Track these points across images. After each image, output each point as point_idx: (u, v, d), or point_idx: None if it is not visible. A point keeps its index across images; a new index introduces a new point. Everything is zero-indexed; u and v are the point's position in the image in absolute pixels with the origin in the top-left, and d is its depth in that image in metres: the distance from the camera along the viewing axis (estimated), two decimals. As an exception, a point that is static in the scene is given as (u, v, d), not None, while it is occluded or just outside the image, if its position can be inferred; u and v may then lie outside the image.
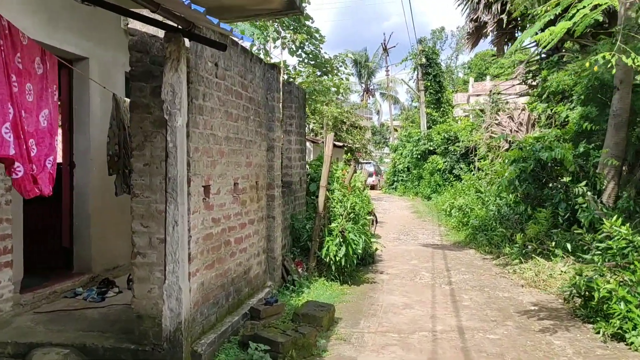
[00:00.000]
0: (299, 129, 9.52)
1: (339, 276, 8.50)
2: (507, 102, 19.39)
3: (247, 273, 6.55)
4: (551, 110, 16.87)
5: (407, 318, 6.90)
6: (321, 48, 14.68)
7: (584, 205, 10.62)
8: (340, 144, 20.61)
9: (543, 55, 20.16)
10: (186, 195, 4.51)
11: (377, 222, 15.56)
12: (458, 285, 8.85)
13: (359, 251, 8.38)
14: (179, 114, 4.33)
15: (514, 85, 21.54)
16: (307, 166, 10.74)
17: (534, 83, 20.24)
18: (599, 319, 6.43)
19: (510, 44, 22.20)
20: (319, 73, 14.72)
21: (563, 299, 7.67)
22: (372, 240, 10.34)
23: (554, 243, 10.00)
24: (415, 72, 32.73)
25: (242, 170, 6.34)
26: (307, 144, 15.65)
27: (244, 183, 6.42)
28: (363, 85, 70.85)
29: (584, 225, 10.26)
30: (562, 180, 11.75)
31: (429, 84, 32.29)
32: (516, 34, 21.79)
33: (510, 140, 15.69)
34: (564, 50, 19.14)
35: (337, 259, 8.18)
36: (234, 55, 5.98)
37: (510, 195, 13.99)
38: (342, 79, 14.85)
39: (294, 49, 14.83)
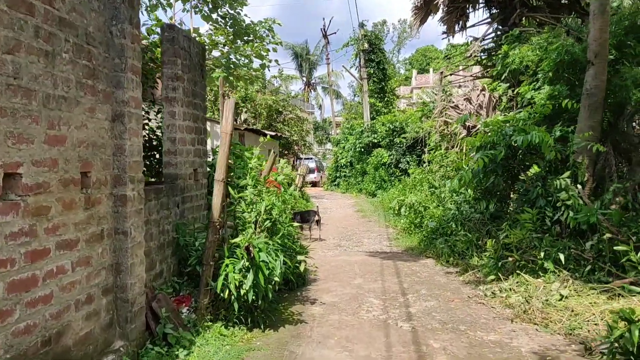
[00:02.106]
0: (191, 97, 6.54)
1: (246, 317, 5.59)
2: (459, 86, 17.05)
3: (57, 340, 3.56)
4: (513, 91, 14.60)
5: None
6: (241, 10, 11.70)
7: (569, 202, 8.27)
8: (273, 133, 17.65)
9: (499, 33, 18.01)
10: None
11: (320, 223, 12.80)
12: (422, 322, 6.13)
13: (276, 278, 5.49)
14: None
15: (466, 67, 19.27)
16: (213, 154, 7.79)
17: (490, 63, 18.05)
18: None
19: (461, 22, 19.99)
20: (239, 43, 11.74)
21: (584, 347, 5.09)
22: (304, 253, 7.53)
23: (542, 253, 7.49)
24: (357, 59, 30.18)
25: (35, 150, 3.34)
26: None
27: (44, 175, 3.42)
28: (304, 79, 68.38)
29: (568, 227, 7.95)
30: (535, 170, 9.41)
31: (372, 71, 29.82)
32: (468, 10, 19.58)
33: (469, 125, 13.27)
34: (522, 26, 17.01)
35: (242, 292, 5.27)
36: None
37: (469, 191, 11.56)
38: (268, 49, 11.94)
39: (207, 12, 11.80)
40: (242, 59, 11.73)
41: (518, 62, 14.21)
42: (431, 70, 56.63)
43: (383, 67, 30.15)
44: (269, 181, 9.28)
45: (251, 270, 5.24)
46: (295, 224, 8.47)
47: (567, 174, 8.75)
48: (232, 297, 5.30)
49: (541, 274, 7.47)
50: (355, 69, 31.09)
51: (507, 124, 10.10)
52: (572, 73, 13.29)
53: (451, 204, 12.37)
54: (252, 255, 5.24)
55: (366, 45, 29.57)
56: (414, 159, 23.68)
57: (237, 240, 5.53)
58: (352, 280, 8.29)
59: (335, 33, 41.34)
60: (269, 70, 18.89)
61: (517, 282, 7.47)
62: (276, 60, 12.37)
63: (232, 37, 11.67)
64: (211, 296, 5.51)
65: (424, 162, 17.38)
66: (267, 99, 22.99)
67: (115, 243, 4.37)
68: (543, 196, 8.85)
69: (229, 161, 5.71)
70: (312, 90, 70.20)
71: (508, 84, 14.50)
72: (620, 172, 9.48)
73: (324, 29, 37.34)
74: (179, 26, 10.86)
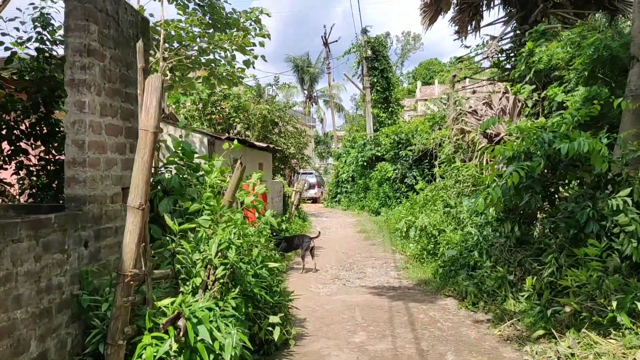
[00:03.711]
0: (118, 84, 4.52)
1: None
2: (474, 92, 15.05)
3: None
4: (539, 94, 12.58)
5: None
6: (223, -4, 9.76)
7: (630, 228, 6.28)
8: (264, 145, 15.63)
9: (518, 32, 16.06)
10: None
11: (314, 250, 10.77)
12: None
13: (228, 363, 3.41)
14: None
15: (478, 71, 17.30)
16: (164, 168, 5.75)
17: (509, 65, 16.08)
18: None
19: (474, 22, 18.06)
20: (216, 35, 9.75)
21: None
22: (283, 308, 5.47)
23: (615, 303, 5.41)
24: (360, 67, 28.24)
25: None
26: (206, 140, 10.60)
27: None
28: (305, 92, 66.75)
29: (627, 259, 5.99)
30: (580, 187, 7.46)
31: (375, 80, 27.84)
32: (482, 8, 17.65)
33: (492, 134, 11.22)
34: (545, 23, 15.07)
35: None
36: None
37: (491, 210, 9.55)
38: (253, 43, 9.96)
39: (183, 1, 9.87)
40: (223, 53, 9.72)
41: (546, 60, 12.20)
42: (436, 81, 54.79)
43: (387, 75, 28.19)
44: (246, 213, 7.28)
45: (182, 356, 3.17)
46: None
47: (626, 191, 6.73)
48: (154, 398, 3.23)
49: (612, 331, 5.40)
50: (358, 78, 29.15)
51: (544, 130, 8.08)
52: (610, 72, 11.33)
53: (471, 226, 10.30)
54: (182, 331, 3.18)
55: (369, 52, 27.66)
56: (421, 174, 21.63)
57: (163, 303, 3.46)
58: (351, 337, 6.17)
59: (336, 41, 39.59)
60: (254, 67, 16.92)
61: (579, 343, 5.39)
62: (263, 57, 10.33)
63: (208, 27, 9.69)
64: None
65: (436, 177, 15.30)
66: (261, 109, 21.01)
67: None
68: (595, 219, 6.83)
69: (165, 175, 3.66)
70: (313, 104, 68.53)
71: (533, 86, 12.50)
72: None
73: (325, 37, 35.55)
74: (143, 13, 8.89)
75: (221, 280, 4.00)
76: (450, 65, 37.07)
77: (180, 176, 5.09)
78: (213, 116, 20.19)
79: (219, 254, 4.02)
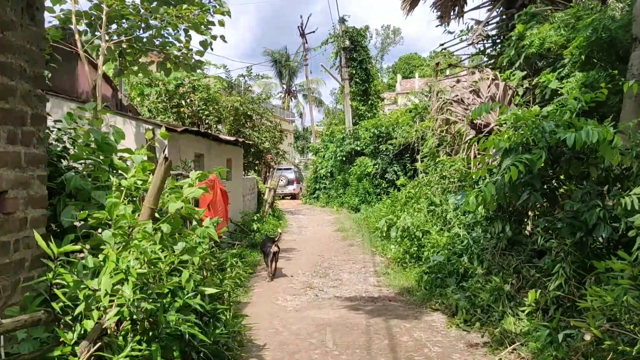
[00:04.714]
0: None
1: None
2: (458, 81, 13.93)
3: None
4: (530, 82, 11.52)
5: None
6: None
7: (647, 233, 5.23)
8: (231, 138, 14.35)
9: (504, 17, 15.00)
10: None
11: (277, 256, 9.55)
12: None
13: None
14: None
15: (465, 59, 16.25)
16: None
17: (495, 52, 15.01)
18: None
19: (457, 7, 16.96)
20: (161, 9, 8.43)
21: None
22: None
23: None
24: (338, 58, 27.02)
25: None
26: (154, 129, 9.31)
27: None
28: (284, 87, 65.46)
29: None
30: (580, 182, 6.42)
31: (354, 71, 26.66)
32: (465, -6, 16.56)
33: (480, 124, 10.12)
34: (535, 6, 14.03)
35: None
36: None
37: (480, 209, 8.47)
38: (212, 22, 8.69)
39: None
40: (172, 30, 8.42)
41: (537, 44, 11.11)
42: (417, 75, 53.79)
43: (366, 67, 27.05)
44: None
45: None
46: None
47: (640, 188, 5.69)
48: None
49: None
50: (336, 70, 27.97)
51: (545, 118, 7.01)
52: (607, 57, 10.35)
53: (459, 227, 9.21)
54: None
55: (347, 42, 26.49)
56: (402, 169, 20.56)
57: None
58: (319, 371, 5.02)
59: (314, 32, 38.72)
60: (211, 50, 15.58)
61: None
62: (222, 37, 9.04)
63: (159, 3, 8.39)
64: None
65: (419, 172, 14.19)
66: (233, 100, 19.72)
67: None
68: (605, 221, 5.80)
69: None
70: (292, 98, 67.24)
71: (524, 73, 11.43)
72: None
73: (301, 27, 34.24)
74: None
75: (125, 324, 2.81)
76: (431, 58, 36.03)
77: (86, 175, 3.88)
78: (181, 109, 18.82)
79: (110, 289, 2.82)
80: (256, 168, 23.99)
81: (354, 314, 7.08)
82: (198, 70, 10.24)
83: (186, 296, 3.45)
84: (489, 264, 7.57)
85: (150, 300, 3.02)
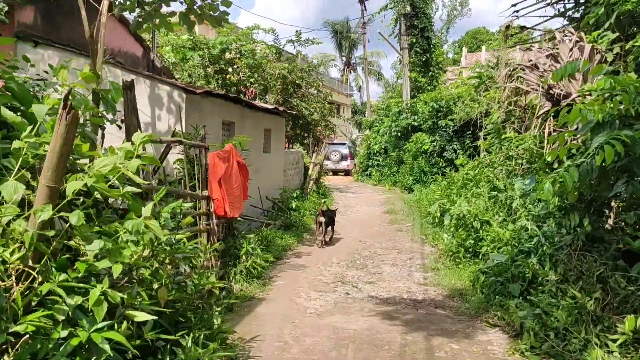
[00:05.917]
0: None
1: None
2: (529, 48, 11.94)
3: None
4: (621, 47, 9.48)
5: None
6: None
7: None
8: (270, 106, 13.04)
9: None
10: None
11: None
12: None
13: None
14: None
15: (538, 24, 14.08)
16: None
17: (576, 15, 12.88)
18: None
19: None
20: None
21: None
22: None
23: None
24: (397, 25, 25.06)
25: None
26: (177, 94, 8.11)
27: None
28: (344, 59, 63.56)
29: None
30: None
31: (414, 40, 24.63)
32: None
33: (560, 94, 8.30)
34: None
35: None
36: None
37: (554, 199, 6.77)
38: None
39: None
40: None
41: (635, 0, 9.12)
42: (484, 48, 50.50)
43: (428, 35, 24.95)
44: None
45: None
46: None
47: None
48: None
49: None
50: (395, 38, 26.02)
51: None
52: None
53: (527, 219, 7.53)
54: None
55: (408, 8, 24.44)
56: (462, 147, 18.68)
57: None
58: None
59: None
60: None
61: None
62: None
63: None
64: None
65: (480, 151, 12.42)
66: (280, 67, 18.34)
67: None
68: None
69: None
70: (351, 71, 65.24)
71: (616, 34, 9.43)
72: None
73: (361, -7, 32.16)
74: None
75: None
76: (500, 32, 33.15)
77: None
78: (227, 76, 17.63)
79: None
80: (305, 142, 22.68)
81: (388, 324, 5.66)
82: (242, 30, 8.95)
83: (93, 327, 2.19)
84: (564, 268, 5.97)
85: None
